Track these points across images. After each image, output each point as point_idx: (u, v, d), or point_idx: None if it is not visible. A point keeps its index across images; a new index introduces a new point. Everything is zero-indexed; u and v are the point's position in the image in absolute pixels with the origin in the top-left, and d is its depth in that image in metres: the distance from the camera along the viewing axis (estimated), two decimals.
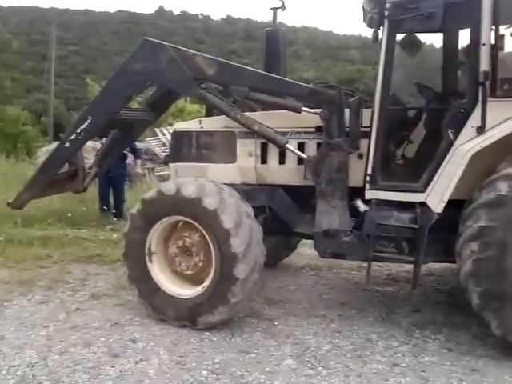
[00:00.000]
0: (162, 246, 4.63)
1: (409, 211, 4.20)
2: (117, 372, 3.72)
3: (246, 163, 4.97)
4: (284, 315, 4.82)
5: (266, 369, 3.81)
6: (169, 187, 4.37)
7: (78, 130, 5.06)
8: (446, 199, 3.94)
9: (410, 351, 4.12)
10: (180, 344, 4.21)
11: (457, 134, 3.97)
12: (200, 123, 5.18)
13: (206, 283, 4.35)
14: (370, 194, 4.40)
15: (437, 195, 4.02)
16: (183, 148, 5.21)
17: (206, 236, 4.29)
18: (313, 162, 4.55)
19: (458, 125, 3.96)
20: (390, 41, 4.14)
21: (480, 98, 3.80)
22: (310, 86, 4.62)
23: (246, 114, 4.73)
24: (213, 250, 4.27)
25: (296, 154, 4.68)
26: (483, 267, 3.75)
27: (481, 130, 3.84)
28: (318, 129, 4.61)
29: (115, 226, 7.92)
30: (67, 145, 5.20)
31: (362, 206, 4.40)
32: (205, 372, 3.74)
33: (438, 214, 3.99)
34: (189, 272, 4.53)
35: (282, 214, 4.79)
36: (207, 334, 4.37)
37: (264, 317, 4.73)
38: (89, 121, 4.96)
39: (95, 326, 4.55)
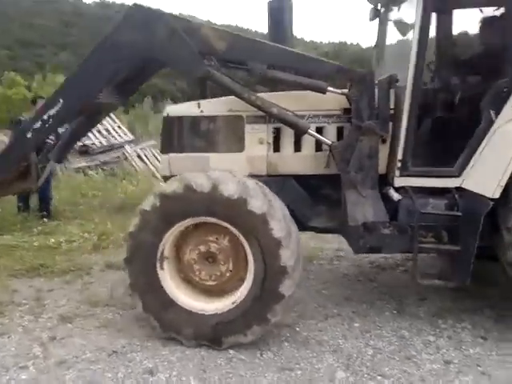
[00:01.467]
0: (174, 251, 3.88)
1: (446, 197, 3.98)
2: None
3: (255, 152, 4.38)
4: (299, 319, 4.36)
5: None
6: (201, 182, 3.59)
7: (45, 117, 4.06)
8: (503, 183, 3.74)
9: (450, 345, 3.94)
10: (208, 369, 3.56)
11: (497, 115, 3.79)
12: (199, 107, 4.43)
13: (239, 299, 3.71)
14: (400, 181, 4.09)
15: (487, 179, 3.80)
16: (179, 136, 4.44)
17: (246, 244, 3.63)
18: (339, 147, 4.11)
19: (499, 105, 3.79)
20: (425, 17, 3.81)
21: None
22: (337, 63, 4.15)
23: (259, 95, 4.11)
24: (252, 261, 3.63)
25: (320, 139, 4.21)
26: None
27: None
28: (346, 111, 4.20)
29: (45, 228, 6.72)
30: (30, 135, 4.16)
31: (395, 195, 4.07)
32: None
33: (493, 199, 3.78)
34: (210, 283, 3.84)
35: (294, 208, 4.25)
36: (231, 352, 3.77)
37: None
38: (60, 105, 3.99)
39: (88, 358, 3.69)
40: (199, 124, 4.42)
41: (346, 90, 4.11)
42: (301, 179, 4.37)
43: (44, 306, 4.59)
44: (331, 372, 3.53)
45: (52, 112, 4.05)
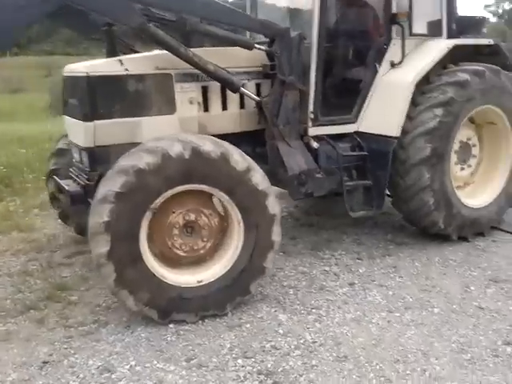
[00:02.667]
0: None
1: (351, 141, 4.67)
2: None
3: (187, 113, 4.14)
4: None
5: None
6: (209, 149, 3.48)
7: None
8: (402, 123, 4.57)
9: (342, 270, 4.59)
10: (162, 347, 3.40)
11: (378, 68, 4.52)
12: (122, 64, 3.88)
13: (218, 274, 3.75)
14: (313, 131, 4.50)
15: (388, 121, 4.62)
16: (104, 100, 3.84)
17: (241, 219, 3.70)
18: (269, 103, 4.22)
19: (381, 59, 4.49)
20: None
21: (400, 36, 4.45)
22: (260, 19, 4.14)
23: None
24: (242, 239, 3.74)
25: (250, 96, 4.25)
26: None
27: (399, 63, 4.62)
28: (265, 67, 4.33)
29: None
30: None
31: (314, 144, 4.46)
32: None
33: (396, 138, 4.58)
34: (180, 253, 3.71)
35: None
36: (172, 326, 3.65)
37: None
38: None
39: (18, 377, 3.11)
40: (126, 84, 3.91)
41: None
42: (227, 138, 4.21)
43: None
44: (274, 317, 3.79)
45: None
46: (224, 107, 4.41)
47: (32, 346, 3.45)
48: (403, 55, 4.73)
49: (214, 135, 3.89)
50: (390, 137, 4.67)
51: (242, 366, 3.19)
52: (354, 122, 4.84)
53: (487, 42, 5.05)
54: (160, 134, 3.73)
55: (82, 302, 4.07)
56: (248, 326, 3.68)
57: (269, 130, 4.44)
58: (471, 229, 5.14)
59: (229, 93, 4.34)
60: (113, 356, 3.32)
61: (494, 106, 4.98)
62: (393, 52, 4.78)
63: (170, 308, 3.60)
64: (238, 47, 4.25)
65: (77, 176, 4.36)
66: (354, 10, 5.14)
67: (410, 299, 4.03)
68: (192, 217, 3.69)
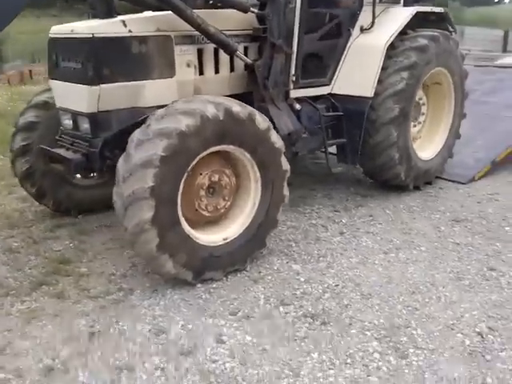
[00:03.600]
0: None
1: (326, 102, 4.97)
2: None
3: (185, 76, 4.10)
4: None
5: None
6: (238, 110, 3.60)
7: None
8: (375, 84, 4.92)
9: (327, 222, 5.00)
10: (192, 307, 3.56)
11: (351, 32, 4.86)
12: (125, 25, 3.70)
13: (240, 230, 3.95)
14: (294, 93, 4.71)
15: (363, 83, 4.99)
16: (108, 62, 3.67)
17: (259, 177, 3.93)
18: (261, 66, 4.32)
19: (353, 24, 4.81)
20: None
21: (371, 3, 4.77)
22: None
23: None
24: (259, 195, 3.96)
25: (244, 59, 4.31)
26: None
27: (369, 29, 5.02)
28: (259, 31, 4.37)
29: None
30: None
31: (297, 105, 4.68)
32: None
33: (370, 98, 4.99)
34: (205, 213, 3.85)
35: None
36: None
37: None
38: None
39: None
40: (130, 46, 3.78)
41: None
42: None
43: None
44: (289, 268, 4.08)
45: None
46: (216, 70, 4.46)
47: (66, 321, 3.38)
48: (373, 21, 5.12)
49: None
50: (365, 97, 5.08)
51: (286, 313, 3.46)
52: (328, 85, 5.16)
53: (440, 10, 5.62)
54: (160, 98, 3.82)
55: (94, 273, 4.01)
56: (270, 277, 3.94)
57: (258, 93, 4.58)
58: (423, 179, 5.81)
59: (221, 56, 4.41)
60: (158, 319, 3.40)
61: (443, 67, 5.59)
62: (363, 18, 5.15)
63: (203, 267, 3.73)
64: (230, 10, 4.31)
65: (71, 144, 4.18)
66: None
67: (397, 241, 4.56)
68: (216, 177, 3.80)
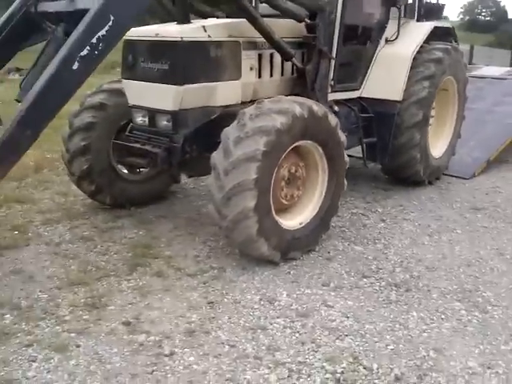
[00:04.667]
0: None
1: (354, 105, 5.47)
2: None
3: (248, 79, 4.50)
4: None
5: None
6: (317, 109, 3.96)
7: (95, 40, 2.94)
8: (404, 89, 5.51)
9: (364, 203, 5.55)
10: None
11: (379, 43, 5.43)
12: (205, 30, 4.03)
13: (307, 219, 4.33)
14: (331, 96, 5.18)
15: (392, 87, 5.55)
16: (192, 64, 3.98)
17: (327, 168, 4.35)
18: (311, 71, 4.74)
19: (381, 35, 5.41)
20: None
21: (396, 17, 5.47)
22: None
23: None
24: (326, 185, 4.40)
25: (296, 65, 4.69)
26: None
27: (393, 40, 5.62)
28: (309, 38, 4.80)
29: None
30: (76, 66, 2.90)
31: (336, 107, 5.16)
32: None
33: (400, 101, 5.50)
34: (284, 201, 4.22)
35: None
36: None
37: None
38: (110, 23, 2.94)
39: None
40: (209, 50, 4.15)
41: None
42: None
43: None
44: (353, 248, 4.57)
45: (101, 33, 2.95)
46: (271, 74, 4.90)
47: (179, 294, 3.69)
48: (398, 33, 5.74)
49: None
50: (394, 101, 5.68)
51: (371, 283, 3.94)
52: (358, 89, 5.72)
53: (448, 25, 6.36)
54: (227, 99, 4.28)
55: (179, 256, 4.31)
56: (340, 257, 4.40)
57: (306, 95, 5.05)
58: (435, 175, 6.49)
59: (274, 60, 4.85)
60: (261, 291, 3.77)
61: (452, 76, 6.32)
62: (388, 31, 5.77)
63: (288, 249, 4.15)
64: (287, 20, 4.78)
65: (147, 139, 4.47)
66: None
67: (434, 226, 5.16)
68: (293, 169, 4.23)
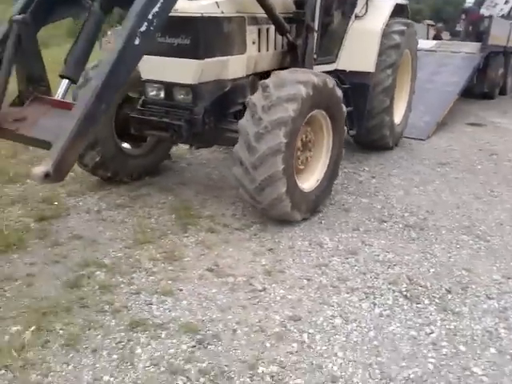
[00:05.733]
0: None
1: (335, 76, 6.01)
2: None
3: (251, 53, 4.83)
4: None
5: None
6: (328, 81, 4.56)
7: (150, 16, 3.19)
8: (376, 61, 6.23)
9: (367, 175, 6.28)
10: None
11: (350, 19, 6.11)
12: (218, 6, 4.33)
13: (321, 175, 4.85)
14: (314, 69, 5.68)
15: (365, 61, 6.18)
16: (211, 39, 4.29)
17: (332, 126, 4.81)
18: (302, 44, 5.22)
19: (351, 12, 6.11)
20: None
21: None
22: None
23: None
24: (330, 153, 4.89)
25: (289, 39, 5.14)
26: None
27: (362, 16, 6.27)
28: (299, 14, 5.23)
29: None
30: (138, 41, 3.11)
31: None
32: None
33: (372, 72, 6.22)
34: (300, 166, 4.64)
35: None
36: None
37: None
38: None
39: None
40: (223, 25, 4.41)
41: None
42: (262, 76, 4.95)
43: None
44: (360, 201, 5.27)
45: (155, 10, 3.18)
46: (267, 48, 5.27)
47: (239, 244, 4.17)
48: (367, 9, 6.41)
49: (258, 73, 4.98)
50: (368, 72, 6.39)
51: (391, 226, 4.67)
52: (334, 62, 6.29)
53: (406, 2, 7.16)
54: (236, 72, 4.65)
55: (218, 215, 4.74)
56: (354, 207, 5.09)
57: (297, 67, 5.58)
58: (396, 139, 7.35)
59: (270, 35, 5.22)
60: (307, 238, 4.36)
61: (408, 49, 7.14)
62: (359, 7, 6.40)
63: (314, 206, 4.77)
64: None
65: (165, 113, 4.65)
66: None
67: (417, 179, 6.02)
68: (304, 137, 4.69)
